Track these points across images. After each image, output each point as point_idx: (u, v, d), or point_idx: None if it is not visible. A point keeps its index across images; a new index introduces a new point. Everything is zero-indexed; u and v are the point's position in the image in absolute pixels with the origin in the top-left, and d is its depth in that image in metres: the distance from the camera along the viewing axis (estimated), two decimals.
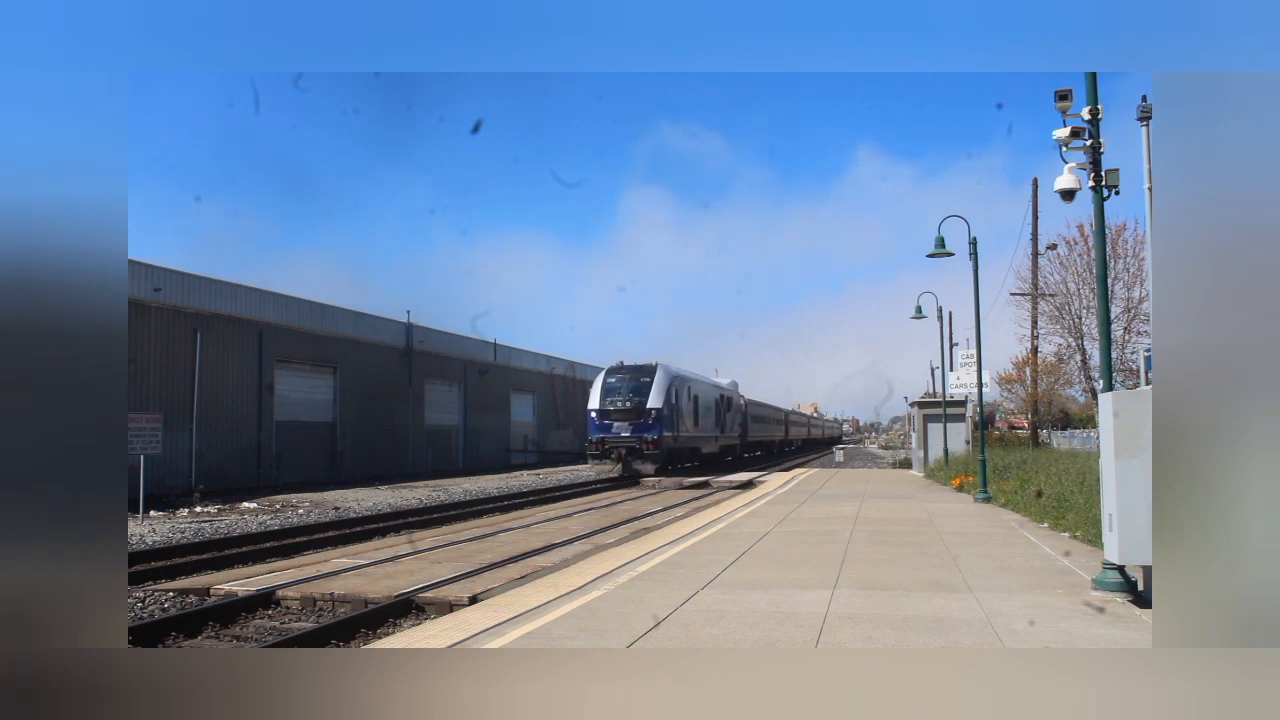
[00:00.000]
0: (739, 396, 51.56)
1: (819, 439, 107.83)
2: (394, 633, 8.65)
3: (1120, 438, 7.45)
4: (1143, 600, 7.60)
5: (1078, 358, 36.78)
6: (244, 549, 14.41)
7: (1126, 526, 7.37)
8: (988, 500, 19.23)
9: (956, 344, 35.61)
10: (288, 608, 9.90)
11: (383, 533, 16.91)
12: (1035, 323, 34.73)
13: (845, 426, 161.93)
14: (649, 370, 35.55)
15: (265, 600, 9.98)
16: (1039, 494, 16.80)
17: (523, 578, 10.48)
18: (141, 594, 10.52)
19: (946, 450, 30.26)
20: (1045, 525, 14.34)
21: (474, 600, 9.29)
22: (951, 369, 30.77)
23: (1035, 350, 35.43)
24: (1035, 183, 32.87)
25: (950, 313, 34.90)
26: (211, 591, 10.43)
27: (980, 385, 24.81)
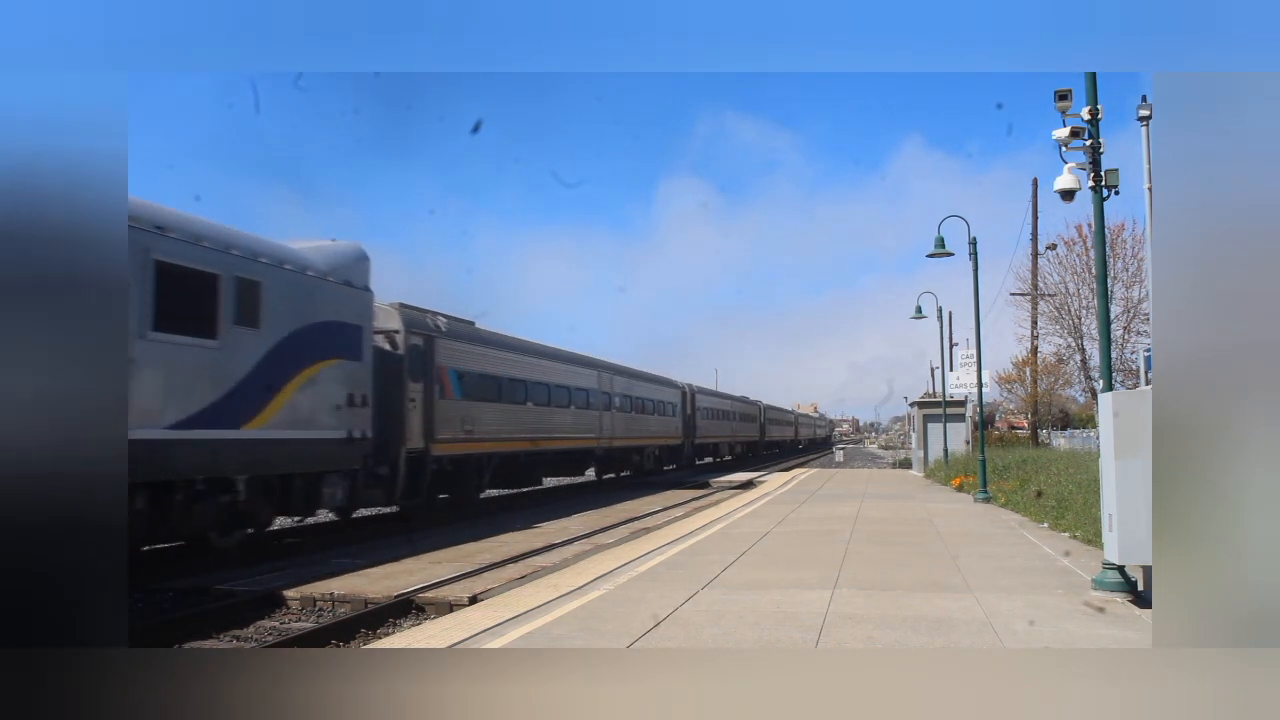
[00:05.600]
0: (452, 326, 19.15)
1: (785, 441, 74.20)
2: (394, 632, 8.65)
3: (1120, 438, 7.46)
4: (1143, 600, 7.60)
5: (1078, 358, 36.83)
6: (244, 548, 14.38)
7: (1126, 526, 7.37)
8: (987, 500, 19.23)
9: (956, 344, 35.64)
10: (288, 608, 9.90)
11: (382, 533, 16.89)
12: (1035, 323, 34.77)
13: (844, 426, 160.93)
14: None
15: (265, 600, 9.98)
16: (1039, 494, 16.82)
17: (523, 578, 10.48)
18: (142, 594, 10.51)
19: (946, 450, 30.27)
20: (1045, 525, 14.35)
21: (474, 600, 9.30)
22: (951, 369, 30.80)
23: (1035, 350, 35.47)
24: (1035, 183, 32.94)
25: (950, 313, 34.92)
26: (211, 591, 10.43)
27: (980, 385, 24.82)
